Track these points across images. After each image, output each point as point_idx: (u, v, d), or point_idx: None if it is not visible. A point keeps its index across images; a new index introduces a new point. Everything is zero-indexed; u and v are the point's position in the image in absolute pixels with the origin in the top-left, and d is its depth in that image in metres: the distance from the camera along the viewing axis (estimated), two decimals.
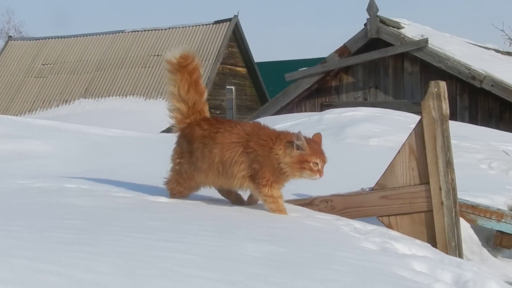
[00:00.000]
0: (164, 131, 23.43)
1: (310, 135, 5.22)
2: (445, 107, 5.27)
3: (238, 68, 32.69)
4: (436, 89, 5.29)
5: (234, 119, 28.82)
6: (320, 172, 4.93)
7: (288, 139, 4.97)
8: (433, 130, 5.31)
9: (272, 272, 3.58)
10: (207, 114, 5.37)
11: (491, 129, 13.17)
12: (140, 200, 5.40)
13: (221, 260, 3.66)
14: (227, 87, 31.22)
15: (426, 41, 16.20)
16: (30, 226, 4.08)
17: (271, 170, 4.98)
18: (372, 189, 5.62)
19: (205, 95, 5.37)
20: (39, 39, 37.14)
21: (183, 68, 5.26)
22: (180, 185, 5.29)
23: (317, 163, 4.93)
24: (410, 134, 5.43)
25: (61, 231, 3.92)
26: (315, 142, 5.06)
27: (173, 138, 5.62)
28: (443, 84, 5.31)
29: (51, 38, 36.26)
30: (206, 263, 3.51)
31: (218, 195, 5.59)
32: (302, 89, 17.07)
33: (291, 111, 16.94)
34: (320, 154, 4.98)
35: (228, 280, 3.26)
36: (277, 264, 3.79)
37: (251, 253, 3.92)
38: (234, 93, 30.24)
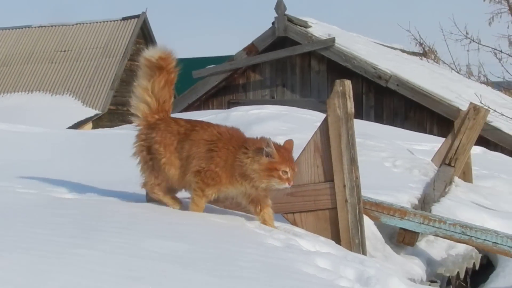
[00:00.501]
0: (70, 127, 23.17)
1: None
2: (350, 106, 5.29)
3: None
4: (341, 88, 5.30)
5: None
6: (289, 181, 4.80)
7: (257, 146, 4.84)
8: (338, 128, 5.31)
9: (176, 268, 3.62)
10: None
11: (396, 128, 13.30)
12: (45, 196, 5.34)
13: (126, 256, 3.63)
14: (135, 83, 30.76)
15: (333, 40, 16.33)
16: None
17: (227, 175, 4.90)
18: None
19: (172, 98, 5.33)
20: None
21: (162, 68, 5.20)
22: (157, 178, 5.12)
23: (286, 172, 4.79)
24: (315, 132, 5.44)
25: None
26: (285, 149, 4.93)
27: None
28: (348, 83, 5.33)
29: None
30: (110, 259, 3.49)
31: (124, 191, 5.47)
32: (210, 86, 17.04)
33: (198, 108, 16.92)
34: (290, 162, 4.84)
35: (132, 276, 3.25)
36: (182, 260, 3.79)
37: (156, 250, 3.90)
38: None
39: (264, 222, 5.04)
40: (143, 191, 5.48)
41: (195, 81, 17.79)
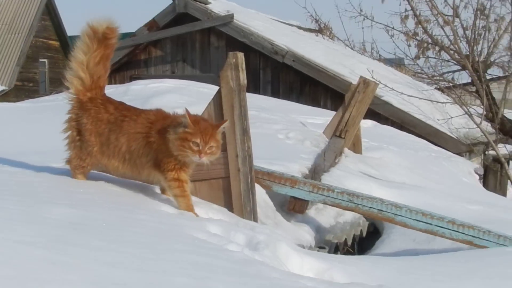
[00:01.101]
0: None
1: None
2: (243, 78, 5.38)
3: (51, 42, 32.11)
4: (234, 60, 5.38)
5: (47, 91, 28.14)
6: (199, 153, 4.65)
7: (179, 120, 4.75)
8: (231, 99, 5.40)
9: (71, 234, 3.66)
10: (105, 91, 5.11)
11: (291, 102, 13.48)
12: None
13: (23, 223, 3.66)
14: (40, 60, 30.61)
15: (231, 16, 16.44)
16: None
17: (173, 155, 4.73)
18: None
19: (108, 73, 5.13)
20: None
21: (105, 40, 4.98)
22: (83, 161, 4.97)
23: (197, 143, 4.63)
24: (209, 103, 5.52)
25: None
26: (208, 123, 4.82)
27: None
28: (241, 55, 5.41)
29: None
30: (6, 225, 3.51)
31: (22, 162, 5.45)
32: (112, 62, 16.85)
33: None
34: (204, 134, 4.66)
35: (28, 242, 3.28)
36: (77, 226, 3.95)
37: (52, 216, 3.92)
38: (47, 66, 29.71)
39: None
40: (40, 162, 5.46)
41: None
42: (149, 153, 4.79)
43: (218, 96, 5.49)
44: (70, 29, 32.15)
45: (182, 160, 4.73)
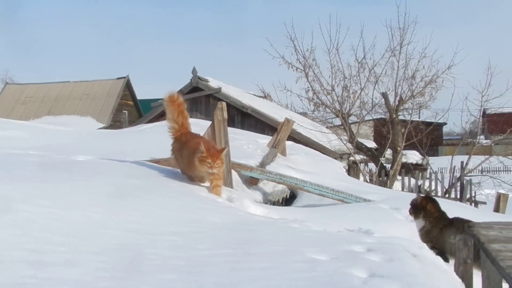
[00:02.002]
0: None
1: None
2: (225, 115, 5.40)
3: (128, 102, 31.90)
4: (220, 105, 5.40)
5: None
6: (212, 167, 4.26)
7: (198, 147, 4.34)
8: (219, 125, 5.41)
9: (133, 192, 3.45)
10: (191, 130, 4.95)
11: (251, 132, 13.26)
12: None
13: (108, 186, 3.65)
14: (123, 111, 30.40)
15: (220, 89, 16.44)
16: None
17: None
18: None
19: (189, 119, 4.92)
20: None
21: (172, 102, 4.79)
22: (182, 171, 4.80)
23: (209, 162, 4.24)
24: (208, 128, 5.46)
25: None
26: (214, 148, 4.44)
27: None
28: (224, 103, 5.43)
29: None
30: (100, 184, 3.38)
31: None
32: (159, 111, 16.72)
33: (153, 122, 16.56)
34: (213, 156, 4.27)
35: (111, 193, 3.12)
36: (138, 188, 3.67)
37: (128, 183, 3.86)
38: (127, 115, 29.55)
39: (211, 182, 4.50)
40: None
41: (151, 108, 17.57)
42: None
43: (212, 124, 5.42)
44: (139, 95, 31.70)
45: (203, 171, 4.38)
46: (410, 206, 4.27)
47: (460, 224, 4.21)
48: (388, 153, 16.61)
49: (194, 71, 17.38)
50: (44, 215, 2.74)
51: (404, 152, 16.73)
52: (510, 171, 17.90)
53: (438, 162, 19.77)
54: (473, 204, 12.72)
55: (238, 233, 3.12)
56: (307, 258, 2.56)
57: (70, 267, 2.17)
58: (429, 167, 15.83)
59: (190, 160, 4.44)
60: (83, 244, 2.50)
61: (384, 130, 15.45)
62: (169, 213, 3.28)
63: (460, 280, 3.30)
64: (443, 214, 4.32)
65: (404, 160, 16.54)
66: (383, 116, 16.73)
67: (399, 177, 14.65)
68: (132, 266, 2.29)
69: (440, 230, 4.21)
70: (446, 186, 14.24)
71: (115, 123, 28.68)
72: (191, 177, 4.66)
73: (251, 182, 6.57)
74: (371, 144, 19.08)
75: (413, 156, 20.72)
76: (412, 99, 15.80)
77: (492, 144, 18.31)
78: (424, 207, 4.14)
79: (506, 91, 14.35)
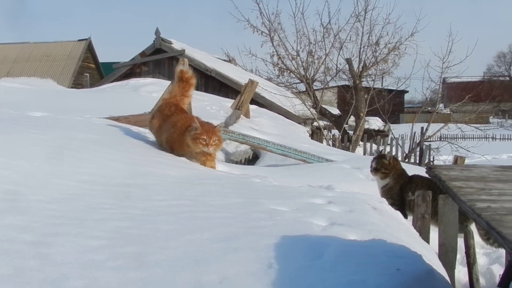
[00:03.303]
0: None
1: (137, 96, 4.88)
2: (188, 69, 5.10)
3: (90, 64, 31.09)
4: (182, 61, 5.20)
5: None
6: (208, 145, 3.78)
7: (190, 124, 3.91)
8: None
9: (88, 145, 3.28)
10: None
11: (215, 95, 13.11)
12: None
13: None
14: (84, 74, 29.66)
15: (184, 51, 16.11)
16: None
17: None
18: (149, 113, 5.35)
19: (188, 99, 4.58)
20: None
21: (180, 79, 4.53)
22: (158, 138, 4.31)
23: (204, 139, 3.76)
24: (168, 85, 5.26)
25: None
26: (209, 125, 3.96)
27: None
28: (186, 59, 5.15)
29: None
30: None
31: None
32: (120, 72, 16.40)
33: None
34: (208, 132, 3.80)
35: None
36: (94, 142, 3.52)
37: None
38: (88, 78, 28.85)
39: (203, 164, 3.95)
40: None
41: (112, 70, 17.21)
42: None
43: (173, 81, 5.23)
44: (101, 58, 30.90)
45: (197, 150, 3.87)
46: (374, 165, 4.34)
47: (419, 181, 4.29)
48: (351, 120, 16.74)
49: (157, 32, 16.96)
50: None
51: (367, 118, 16.92)
52: (467, 138, 18.41)
53: (399, 129, 20.08)
54: None
55: (198, 186, 3.06)
56: (267, 209, 2.53)
57: (18, 215, 2.07)
58: (390, 133, 16.08)
59: (177, 137, 3.96)
60: (33, 193, 2.39)
61: (347, 96, 15.54)
62: (126, 166, 3.17)
63: (417, 234, 3.35)
64: (404, 171, 4.40)
65: (366, 126, 16.73)
66: (347, 83, 16.81)
67: (361, 143, 14.86)
68: (85, 215, 2.20)
69: (400, 187, 4.29)
70: (406, 151, 14.58)
71: (77, 86, 27.90)
72: (171, 150, 4.11)
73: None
74: (335, 111, 19.16)
75: (375, 122, 21.00)
76: (376, 65, 15.91)
77: (451, 112, 18.67)
78: (394, 166, 4.29)
79: (465, 58, 14.61)
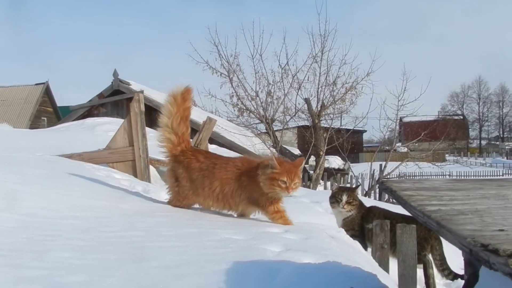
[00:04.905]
0: None
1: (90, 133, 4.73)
2: (142, 107, 5.17)
3: (48, 108, 30.83)
4: (137, 97, 5.14)
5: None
6: (288, 189, 3.11)
7: (265, 163, 3.22)
8: (136, 117, 5.16)
9: (37, 179, 3.14)
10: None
11: None
12: None
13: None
14: (42, 118, 29.34)
15: (142, 91, 15.79)
16: None
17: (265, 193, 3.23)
18: (104, 149, 5.24)
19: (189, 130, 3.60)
20: None
21: (183, 102, 3.47)
22: (180, 202, 3.38)
23: (285, 181, 3.09)
24: (124, 120, 5.36)
25: None
26: (290, 164, 3.25)
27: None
28: (141, 95, 5.16)
29: None
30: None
31: None
32: (78, 114, 16.12)
33: None
34: (289, 173, 3.11)
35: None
36: (43, 177, 3.36)
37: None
38: (46, 121, 28.70)
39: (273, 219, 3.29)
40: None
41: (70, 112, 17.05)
42: (241, 193, 3.22)
43: (129, 116, 5.28)
44: (59, 102, 30.63)
45: (273, 196, 3.21)
46: (346, 198, 4.36)
47: (377, 211, 4.32)
48: (312, 159, 16.91)
49: (115, 73, 16.88)
50: None
51: (327, 157, 17.17)
52: (425, 175, 18.81)
53: (358, 168, 20.39)
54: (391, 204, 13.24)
55: (152, 218, 2.96)
56: (221, 238, 2.46)
57: None
58: (350, 171, 16.30)
59: (230, 185, 3.25)
60: None
61: (307, 135, 15.73)
62: (74, 200, 3.06)
63: (377, 264, 3.31)
64: (362, 202, 4.44)
65: (326, 165, 16.95)
66: (306, 123, 17.05)
67: (321, 181, 14.97)
68: (26, 246, 2.08)
69: (361, 217, 4.31)
70: (366, 188, 14.76)
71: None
72: (207, 208, 3.41)
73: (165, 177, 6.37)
74: (296, 151, 19.37)
75: (335, 161, 21.28)
76: (334, 105, 16.26)
77: (408, 150, 19.15)
78: (355, 197, 4.36)
79: (420, 95, 15.15)
